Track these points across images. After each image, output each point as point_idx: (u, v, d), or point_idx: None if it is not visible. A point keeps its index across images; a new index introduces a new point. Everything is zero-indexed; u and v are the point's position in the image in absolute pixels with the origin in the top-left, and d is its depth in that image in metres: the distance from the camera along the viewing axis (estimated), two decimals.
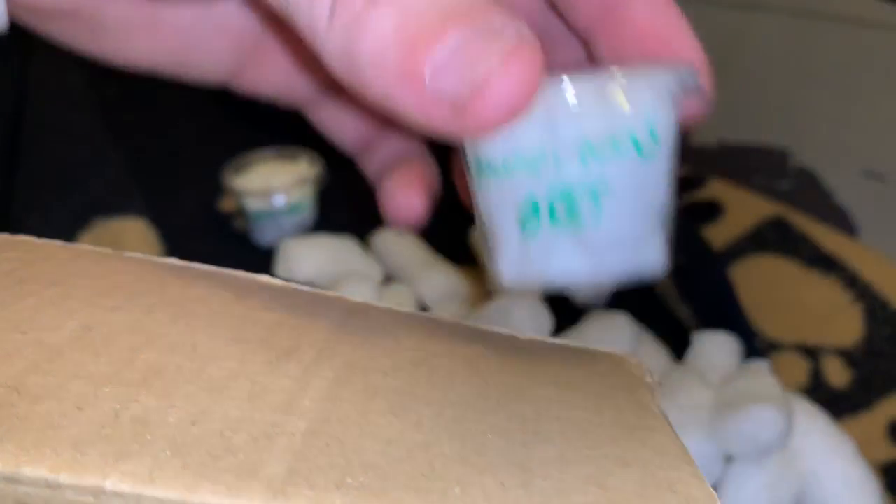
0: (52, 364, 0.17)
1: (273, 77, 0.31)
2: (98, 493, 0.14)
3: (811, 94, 0.67)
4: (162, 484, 0.14)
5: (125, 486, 0.14)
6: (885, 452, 0.46)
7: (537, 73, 0.20)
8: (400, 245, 0.50)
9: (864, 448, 0.38)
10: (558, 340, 0.26)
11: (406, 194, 0.29)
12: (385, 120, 0.32)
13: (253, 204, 0.49)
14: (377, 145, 0.32)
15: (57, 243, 0.25)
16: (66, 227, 0.44)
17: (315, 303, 0.24)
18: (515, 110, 0.20)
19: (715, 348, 0.40)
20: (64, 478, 0.14)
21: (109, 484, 0.14)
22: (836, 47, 0.66)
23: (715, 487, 0.35)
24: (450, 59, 0.20)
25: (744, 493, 0.34)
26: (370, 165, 0.32)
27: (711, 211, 0.62)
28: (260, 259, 0.48)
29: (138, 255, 0.25)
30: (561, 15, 0.28)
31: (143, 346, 0.19)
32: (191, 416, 0.16)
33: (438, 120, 0.20)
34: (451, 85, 0.20)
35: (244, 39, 0.30)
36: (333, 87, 0.31)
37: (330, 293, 0.25)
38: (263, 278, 0.25)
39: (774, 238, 0.58)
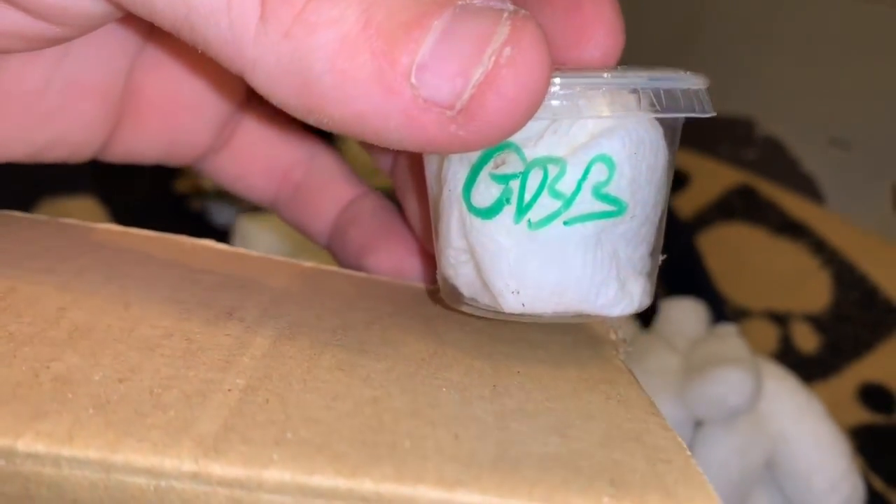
0: None
1: (158, 134, 0.24)
2: (9, 454, 0.13)
3: (776, 62, 0.66)
4: (81, 443, 0.13)
5: (40, 447, 0.13)
6: (857, 416, 0.46)
7: (548, 55, 0.15)
8: None
9: (835, 412, 0.37)
10: None
11: (406, 269, 0.25)
12: (309, 150, 0.26)
13: (208, 183, 0.48)
14: (305, 194, 0.27)
15: None
16: (12, 207, 0.43)
17: (262, 266, 0.23)
18: (533, 106, 0.15)
19: (682, 314, 0.40)
20: None
21: (22, 444, 0.13)
22: (800, 15, 0.66)
23: None
24: (439, 51, 0.15)
25: (714, 457, 0.33)
26: (314, 224, 0.27)
27: (678, 181, 0.62)
28: (216, 238, 0.47)
29: (73, 220, 0.24)
30: None
31: (71, 306, 0.17)
32: (118, 374, 0.15)
33: (432, 132, 0.15)
34: (445, 85, 0.15)
35: (112, 94, 0.23)
36: (237, 124, 0.25)
37: (279, 258, 0.24)
38: (208, 243, 0.24)
39: (741, 206, 0.57)
